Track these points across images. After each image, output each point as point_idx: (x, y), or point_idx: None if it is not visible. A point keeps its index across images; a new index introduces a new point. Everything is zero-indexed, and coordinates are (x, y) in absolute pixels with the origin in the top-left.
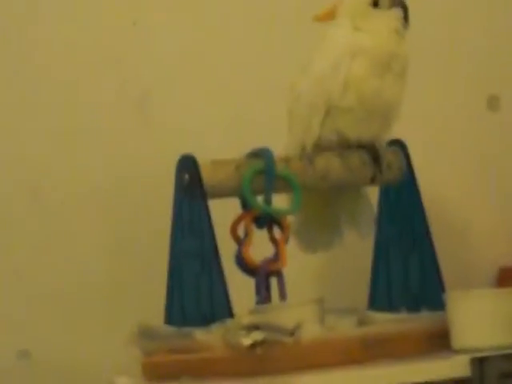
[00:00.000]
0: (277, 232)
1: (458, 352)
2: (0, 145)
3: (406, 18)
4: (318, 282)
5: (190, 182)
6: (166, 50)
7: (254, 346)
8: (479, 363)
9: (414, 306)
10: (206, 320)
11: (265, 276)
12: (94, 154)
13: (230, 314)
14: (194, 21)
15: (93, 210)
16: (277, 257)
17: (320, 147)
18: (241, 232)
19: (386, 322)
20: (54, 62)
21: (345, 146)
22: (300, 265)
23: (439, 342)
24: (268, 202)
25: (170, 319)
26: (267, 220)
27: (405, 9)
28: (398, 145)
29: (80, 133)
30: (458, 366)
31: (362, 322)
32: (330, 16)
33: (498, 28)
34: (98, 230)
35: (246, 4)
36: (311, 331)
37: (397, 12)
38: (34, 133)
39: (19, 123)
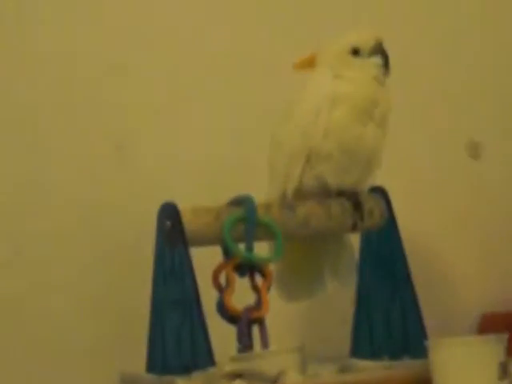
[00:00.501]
0: (259, 279)
1: None
2: None
3: (386, 65)
4: (300, 329)
5: (172, 229)
6: (146, 96)
7: None
8: None
9: (397, 353)
10: (188, 368)
11: (247, 324)
12: (71, 203)
13: (212, 362)
14: (172, 67)
15: (74, 258)
16: (259, 304)
17: (301, 194)
18: (223, 279)
19: (368, 370)
20: (32, 105)
21: (326, 193)
22: (282, 312)
23: None
24: (249, 249)
25: (151, 367)
26: (249, 268)
27: (385, 57)
28: (380, 192)
29: (57, 181)
30: None
31: (344, 370)
32: (309, 64)
33: (478, 74)
34: (79, 277)
35: (224, 49)
36: (293, 379)
37: (377, 60)
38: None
39: None
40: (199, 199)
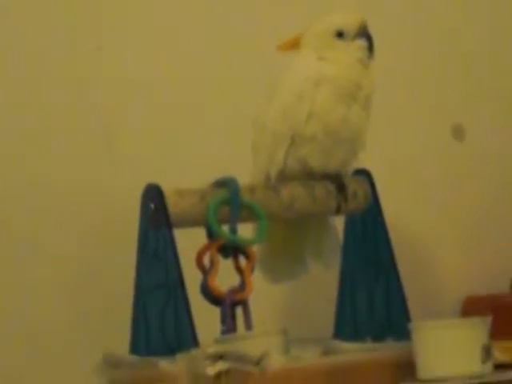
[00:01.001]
0: (243, 261)
1: (423, 382)
2: None
3: (370, 48)
4: (283, 311)
5: (156, 211)
6: (131, 81)
7: (218, 375)
8: None
9: (380, 335)
10: (171, 349)
11: (230, 305)
12: (60, 184)
13: (195, 344)
14: (158, 54)
15: (59, 238)
16: (242, 286)
17: (285, 177)
18: (206, 261)
19: (351, 352)
20: (21, 94)
21: (310, 175)
22: (266, 294)
23: (405, 371)
24: (233, 231)
25: (135, 348)
26: (233, 249)
27: (369, 40)
28: (364, 174)
29: (47, 163)
30: None
31: (327, 352)
32: (293, 46)
33: (462, 58)
34: (64, 259)
35: (209, 33)
36: (277, 361)
37: (361, 43)
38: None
39: None
40: (184, 181)
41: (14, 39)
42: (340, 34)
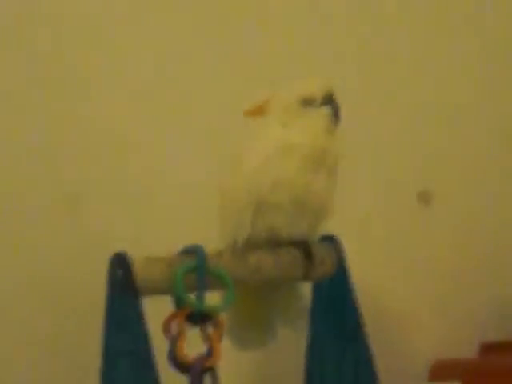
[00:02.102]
0: (210, 329)
1: None
2: None
3: (336, 115)
4: (253, 379)
5: (123, 279)
6: (100, 149)
7: None
8: None
9: None
10: None
11: (199, 373)
12: (26, 251)
13: None
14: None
15: (25, 306)
16: (210, 354)
17: (252, 243)
18: (174, 329)
19: None
20: None
21: (276, 242)
22: (234, 361)
23: None
24: (200, 299)
25: None
26: (200, 317)
27: (335, 107)
28: (331, 240)
29: (11, 231)
30: None
31: None
32: (260, 111)
33: (427, 122)
34: (29, 328)
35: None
36: None
37: (327, 110)
38: None
39: None
40: (151, 249)
41: None
42: (306, 102)
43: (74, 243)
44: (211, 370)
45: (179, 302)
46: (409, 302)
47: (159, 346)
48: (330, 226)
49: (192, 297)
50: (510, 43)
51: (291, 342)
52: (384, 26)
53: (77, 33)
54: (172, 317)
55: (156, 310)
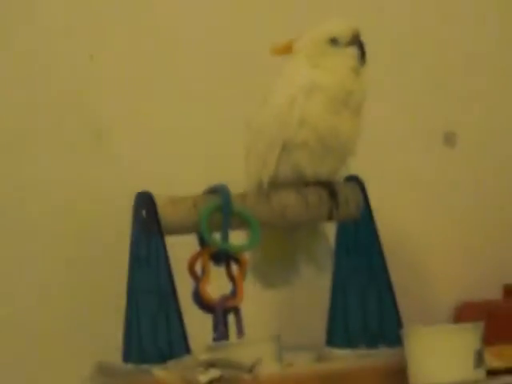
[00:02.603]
0: (235, 268)
1: None
2: None
3: (363, 55)
4: (276, 318)
5: (147, 219)
6: (125, 87)
7: (210, 383)
8: None
9: (372, 341)
10: (164, 357)
11: (222, 313)
12: (54, 190)
13: (188, 351)
14: (150, 61)
15: (51, 246)
16: (234, 293)
17: (277, 184)
18: (198, 268)
19: (344, 359)
20: (12, 97)
21: (301, 182)
22: (258, 301)
23: (397, 378)
24: (225, 238)
25: (128, 356)
26: (224, 256)
27: (362, 47)
28: (355, 181)
29: (40, 169)
30: None
31: (320, 359)
32: (286, 50)
33: (453, 67)
34: (57, 265)
35: (202, 41)
36: (269, 368)
37: (354, 50)
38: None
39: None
40: (176, 189)
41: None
42: (334, 41)
43: (100, 178)
44: (235, 309)
45: (204, 242)
46: (434, 246)
47: (184, 284)
48: (356, 167)
49: (216, 236)
50: None
51: (315, 281)
52: None
53: None
54: (196, 256)
55: (181, 250)
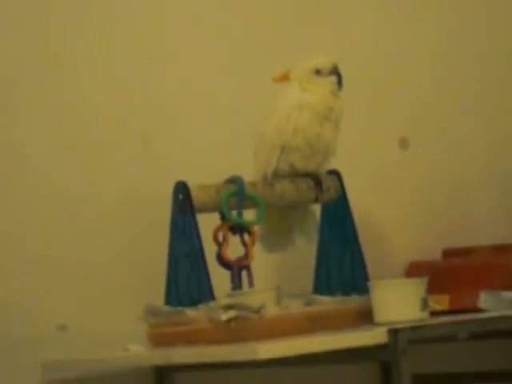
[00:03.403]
0: (247, 237)
1: (378, 325)
2: (42, 175)
3: (339, 82)
4: (276, 274)
5: (183, 201)
6: (168, 99)
7: (229, 320)
8: (394, 332)
9: (347, 290)
10: (195, 302)
11: (238, 270)
12: (113, 181)
13: (212, 297)
14: (186, 83)
15: (113, 220)
16: (246, 255)
17: (277, 175)
18: (220, 237)
19: (326, 303)
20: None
21: (295, 174)
22: (263, 261)
23: (365, 317)
24: (240, 215)
25: (168, 301)
26: (239, 228)
27: (339, 76)
28: (335, 173)
29: (101, 164)
30: (379, 335)
31: (308, 303)
32: (284, 78)
33: (403, 85)
34: (118, 236)
35: (229, 71)
36: (271, 310)
37: (333, 79)
38: (68, 169)
39: (58, 164)
40: (204, 179)
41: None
42: (318, 72)
43: (146, 172)
44: (247, 267)
45: (224, 217)
46: (390, 220)
47: (210, 249)
48: (335, 163)
49: (233, 213)
50: None
51: (305, 248)
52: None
53: None
54: (219, 228)
55: (207, 223)
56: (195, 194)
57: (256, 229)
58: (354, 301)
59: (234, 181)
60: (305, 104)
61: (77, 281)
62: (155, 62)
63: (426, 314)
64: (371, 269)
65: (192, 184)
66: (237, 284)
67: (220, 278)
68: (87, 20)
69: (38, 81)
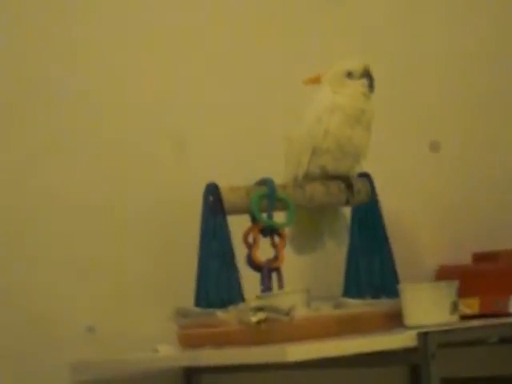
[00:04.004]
0: (277, 239)
1: (408, 328)
2: (73, 177)
3: (371, 85)
4: (306, 276)
5: (213, 203)
6: (199, 103)
7: (259, 322)
8: (424, 336)
9: (377, 293)
10: (225, 303)
11: (268, 272)
12: (144, 182)
13: (242, 299)
14: (216, 89)
15: (143, 222)
16: (276, 257)
17: (308, 178)
18: (250, 239)
19: (355, 306)
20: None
21: (326, 177)
22: (294, 263)
23: (395, 320)
24: (270, 217)
25: (198, 302)
26: (270, 230)
27: (371, 79)
28: (366, 176)
29: (132, 165)
30: (409, 338)
31: (337, 306)
32: (315, 81)
33: (434, 83)
34: (148, 237)
35: (254, 74)
36: (301, 312)
37: (365, 81)
38: (100, 171)
39: (89, 166)
40: (235, 180)
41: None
42: (349, 74)
43: (177, 173)
44: (277, 269)
45: (255, 219)
46: (421, 223)
47: (240, 251)
48: (366, 166)
49: (264, 215)
50: None
51: (335, 250)
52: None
53: None
54: (249, 230)
55: (238, 225)
56: (226, 196)
57: (286, 231)
58: (383, 304)
59: (265, 183)
60: (336, 106)
61: (105, 282)
62: (187, 68)
63: (455, 318)
64: (401, 272)
65: (223, 186)
66: (267, 286)
67: (250, 280)
68: (119, 28)
69: (67, 87)
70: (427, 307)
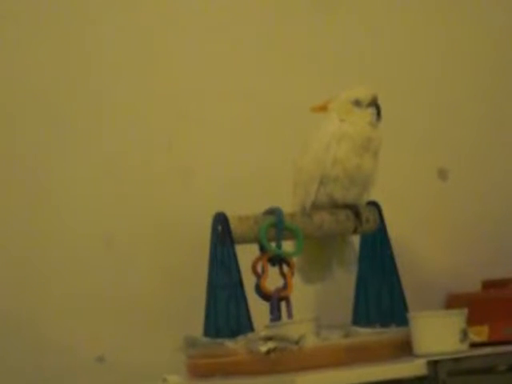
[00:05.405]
0: (285, 268)
1: (418, 356)
2: (79, 204)
3: (378, 114)
4: (315, 304)
5: (222, 232)
6: (206, 131)
7: (268, 352)
8: (434, 364)
9: (386, 322)
10: (234, 333)
11: (277, 301)
12: (152, 212)
13: (251, 329)
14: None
15: (152, 251)
16: (285, 286)
17: (316, 207)
18: (259, 269)
19: (365, 334)
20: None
21: (334, 205)
22: (302, 292)
23: (404, 349)
24: (279, 246)
25: (207, 332)
26: (278, 260)
27: (378, 108)
28: (374, 205)
29: (140, 195)
30: (418, 366)
31: (347, 335)
32: (322, 109)
33: (442, 111)
34: (157, 267)
35: (260, 105)
36: (311, 341)
37: (372, 110)
38: (106, 199)
39: (96, 194)
40: (243, 210)
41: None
42: (357, 103)
43: (185, 202)
44: (286, 298)
45: (263, 249)
46: (429, 251)
47: (249, 280)
48: (375, 195)
49: (272, 245)
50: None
51: (343, 279)
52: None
53: None
54: (258, 259)
55: (246, 254)
56: (234, 226)
57: (295, 260)
58: (392, 332)
59: (273, 212)
60: (344, 135)
61: (114, 312)
62: (196, 95)
63: (465, 346)
64: (410, 300)
65: (231, 215)
66: (276, 315)
67: (259, 310)
68: (125, 57)
69: (80, 107)
70: (437, 335)
